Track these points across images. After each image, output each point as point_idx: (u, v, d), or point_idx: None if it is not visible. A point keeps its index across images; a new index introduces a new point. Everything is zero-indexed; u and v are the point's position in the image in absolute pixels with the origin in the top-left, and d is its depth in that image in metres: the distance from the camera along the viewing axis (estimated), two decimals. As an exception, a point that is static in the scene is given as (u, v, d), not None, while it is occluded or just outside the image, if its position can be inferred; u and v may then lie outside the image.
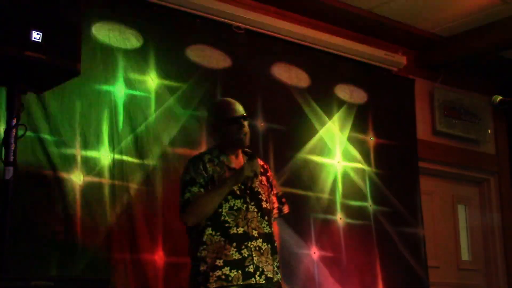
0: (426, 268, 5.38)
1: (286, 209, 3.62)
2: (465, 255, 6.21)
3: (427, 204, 5.74)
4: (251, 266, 3.21)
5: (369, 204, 5.13)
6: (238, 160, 3.43)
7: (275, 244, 3.39)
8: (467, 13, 5.32)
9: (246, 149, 3.48)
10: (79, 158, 3.79)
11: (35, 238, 3.54)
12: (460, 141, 6.14)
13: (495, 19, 5.39)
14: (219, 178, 3.29)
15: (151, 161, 4.06)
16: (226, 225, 3.24)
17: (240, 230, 3.24)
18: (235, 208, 3.27)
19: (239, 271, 3.18)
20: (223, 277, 3.16)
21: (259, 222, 3.31)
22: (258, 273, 3.22)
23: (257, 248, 3.26)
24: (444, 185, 6.15)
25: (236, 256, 3.20)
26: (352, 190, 5.05)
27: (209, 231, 3.24)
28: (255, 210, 3.32)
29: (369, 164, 5.24)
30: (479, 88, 6.36)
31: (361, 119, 5.28)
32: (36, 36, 2.89)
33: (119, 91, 4.04)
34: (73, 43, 3.03)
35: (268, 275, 3.26)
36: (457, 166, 6.12)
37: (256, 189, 3.37)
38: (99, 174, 3.85)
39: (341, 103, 5.19)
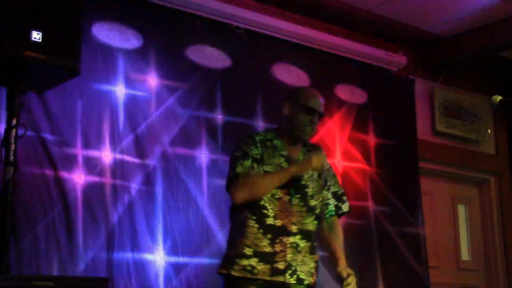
0: (426, 268, 5.39)
1: (346, 207, 3.34)
2: (465, 255, 6.21)
3: (427, 204, 5.75)
4: (282, 262, 3.00)
5: (369, 204, 5.13)
6: (293, 151, 3.20)
7: (315, 244, 3.16)
8: (467, 13, 5.31)
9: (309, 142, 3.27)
10: (79, 158, 3.80)
11: (35, 238, 3.54)
12: (460, 141, 6.14)
13: (495, 19, 5.40)
14: (267, 162, 3.08)
15: (151, 161, 4.07)
16: (264, 211, 3.02)
17: (278, 222, 3.02)
18: (276, 197, 3.05)
19: (267, 266, 2.97)
20: (249, 268, 2.96)
21: (302, 218, 3.09)
22: (289, 271, 3.01)
23: (294, 245, 3.04)
24: (444, 185, 6.15)
25: (268, 249, 2.99)
26: (352, 190, 5.04)
27: (246, 212, 3.04)
28: (301, 204, 3.10)
29: (369, 164, 5.24)
30: (479, 88, 6.36)
31: (361, 119, 5.28)
32: (36, 36, 2.89)
33: (119, 91, 4.05)
34: (73, 43, 3.03)
35: (301, 276, 3.05)
36: (457, 166, 6.12)
37: (303, 182, 3.14)
38: (100, 173, 3.86)
39: (341, 103, 5.19)
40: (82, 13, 3.15)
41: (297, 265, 3.05)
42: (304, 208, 3.11)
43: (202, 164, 4.29)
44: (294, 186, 3.10)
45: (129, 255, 3.85)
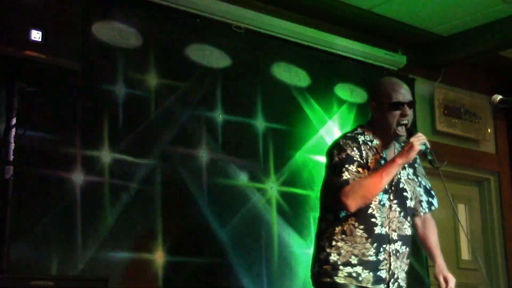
0: (426, 267, 5.38)
1: (436, 202, 3.26)
2: (465, 255, 6.20)
3: (427, 204, 5.74)
4: (385, 271, 2.97)
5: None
6: (390, 151, 3.09)
7: (409, 249, 3.10)
8: (467, 13, 5.31)
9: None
10: (79, 157, 3.79)
11: (35, 238, 3.54)
12: (460, 141, 6.14)
13: (495, 19, 5.39)
14: (371, 165, 2.96)
15: (151, 161, 4.06)
16: (373, 220, 2.96)
17: (383, 230, 2.97)
18: (382, 203, 2.98)
19: (371, 273, 2.94)
20: (354, 274, 2.92)
21: (400, 223, 3.04)
22: (392, 280, 2.99)
23: (395, 252, 3.00)
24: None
25: (373, 257, 2.95)
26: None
27: (352, 221, 2.95)
28: (398, 209, 3.03)
29: (369, 163, 5.24)
30: (479, 88, 6.35)
31: (361, 118, 5.27)
32: (36, 35, 2.89)
33: (119, 90, 4.04)
34: (73, 42, 3.04)
35: (401, 284, 3.05)
36: (457, 166, 6.12)
37: (401, 185, 3.06)
38: (99, 173, 3.85)
39: (341, 102, 5.18)
40: (82, 12, 3.15)
41: (398, 272, 3.03)
42: (402, 213, 3.05)
43: (202, 164, 4.28)
44: (394, 191, 3.03)
45: (128, 255, 3.85)
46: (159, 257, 3.97)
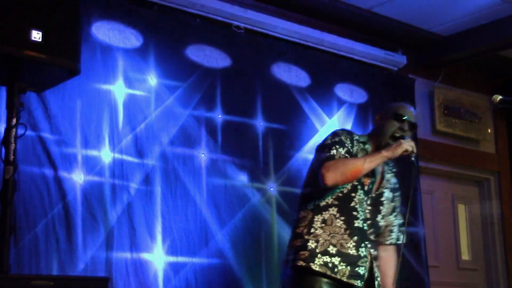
0: (426, 267, 5.39)
1: (404, 238, 3.26)
2: (465, 255, 6.21)
3: (427, 204, 5.74)
4: (364, 268, 2.99)
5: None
6: (382, 165, 3.16)
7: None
8: (467, 13, 5.31)
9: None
10: (79, 157, 3.80)
11: (35, 238, 3.54)
12: (460, 141, 6.14)
13: (495, 19, 5.39)
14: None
15: (150, 161, 4.07)
16: (354, 213, 2.99)
17: (364, 225, 3.01)
18: (363, 201, 3.04)
19: (348, 267, 2.93)
20: (330, 265, 2.91)
21: (370, 228, 3.07)
22: (373, 278, 3.03)
23: (371, 251, 3.05)
24: (444, 185, 6.14)
25: (353, 251, 2.96)
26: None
27: (333, 211, 2.98)
28: (368, 216, 3.08)
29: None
30: (479, 88, 6.36)
31: (361, 118, 5.28)
32: (36, 35, 2.89)
33: (119, 90, 4.05)
34: (73, 42, 3.03)
35: (380, 282, 3.10)
36: (457, 166, 6.12)
37: (382, 199, 3.14)
38: (100, 173, 3.86)
39: (341, 102, 5.19)
40: (82, 12, 3.15)
41: (377, 272, 3.07)
42: (371, 222, 3.08)
43: (202, 164, 4.29)
44: (374, 197, 3.09)
45: (128, 255, 3.85)
46: (159, 257, 3.97)
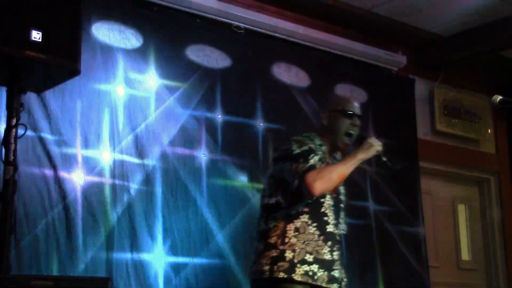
0: (426, 268, 5.39)
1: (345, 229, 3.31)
2: (465, 255, 6.21)
3: (427, 204, 5.74)
4: (338, 271, 3.04)
5: (369, 204, 5.13)
6: (331, 159, 3.17)
7: None
8: (467, 13, 5.31)
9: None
10: (79, 158, 3.79)
11: (35, 238, 3.54)
12: (460, 141, 6.14)
13: (495, 19, 5.39)
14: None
15: (151, 161, 4.06)
16: (325, 218, 3.03)
17: (335, 230, 3.06)
18: (332, 205, 3.07)
19: (326, 273, 2.97)
20: (310, 273, 2.93)
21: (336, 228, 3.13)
22: (343, 282, 3.08)
23: (341, 253, 3.11)
24: (444, 185, 6.14)
25: (328, 256, 3.00)
26: (352, 190, 5.03)
27: (305, 218, 2.99)
28: (336, 216, 3.12)
29: (369, 163, 5.23)
30: (479, 88, 6.36)
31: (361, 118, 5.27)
32: (36, 35, 2.89)
33: (119, 90, 4.05)
34: (73, 42, 3.03)
35: (347, 283, 3.13)
36: (457, 166, 6.12)
37: (340, 196, 3.19)
38: (100, 173, 3.86)
39: (341, 102, 5.18)
40: (82, 12, 3.15)
41: (345, 273, 3.11)
42: (336, 222, 3.11)
43: (202, 164, 4.29)
44: (337, 199, 3.12)
45: (128, 255, 3.85)
46: (159, 257, 3.97)
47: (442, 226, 6.01)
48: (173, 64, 4.32)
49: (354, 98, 3.29)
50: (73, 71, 3.06)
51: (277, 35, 4.89)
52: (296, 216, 3.00)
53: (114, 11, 4.11)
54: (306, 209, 3.00)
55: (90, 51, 3.90)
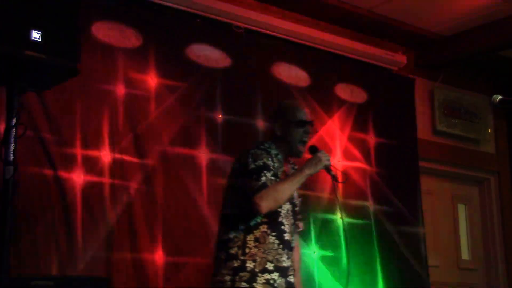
0: (426, 267, 5.39)
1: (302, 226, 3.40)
2: (465, 255, 6.21)
3: (427, 204, 5.74)
4: (292, 276, 3.11)
5: (369, 204, 5.13)
6: (286, 165, 3.26)
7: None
8: (467, 13, 5.31)
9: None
10: (79, 157, 3.79)
11: (35, 238, 3.54)
12: (460, 141, 6.14)
13: (495, 19, 5.39)
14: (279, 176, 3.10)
15: (151, 160, 4.06)
16: (282, 227, 3.09)
17: (290, 237, 3.12)
18: (288, 213, 3.13)
19: (283, 279, 3.05)
20: (271, 281, 3.00)
21: (292, 234, 3.19)
22: (295, 284, 3.14)
23: (292, 259, 3.16)
24: (444, 185, 6.15)
25: (286, 263, 3.07)
26: (352, 189, 5.05)
27: (264, 228, 3.05)
28: (292, 221, 3.18)
29: (369, 163, 5.24)
30: (479, 88, 6.36)
31: (361, 118, 5.28)
32: (36, 35, 2.88)
33: (119, 90, 4.05)
34: (73, 42, 3.02)
35: None
36: (457, 166, 6.12)
37: (293, 200, 3.21)
38: (99, 173, 3.86)
39: (341, 102, 5.19)
40: (82, 12, 3.15)
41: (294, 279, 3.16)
42: (292, 227, 3.18)
43: (202, 164, 4.29)
44: (291, 203, 3.17)
45: (128, 255, 3.85)
46: (159, 257, 3.97)
47: (442, 226, 6.01)
48: (173, 63, 4.32)
49: (302, 105, 3.39)
50: (73, 71, 3.06)
51: (277, 35, 4.89)
52: (256, 227, 3.06)
53: (114, 11, 4.12)
54: (265, 219, 3.06)
55: (90, 51, 3.90)
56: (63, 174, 3.72)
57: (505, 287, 6.16)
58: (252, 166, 3.05)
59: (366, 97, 5.36)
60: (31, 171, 3.60)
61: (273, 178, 3.04)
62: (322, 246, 4.75)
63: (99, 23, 4.03)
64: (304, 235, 4.65)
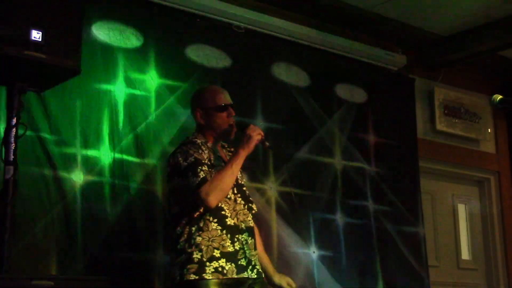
0: (426, 267, 5.39)
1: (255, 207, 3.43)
2: (465, 255, 6.21)
3: (427, 204, 5.75)
4: (243, 259, 3.15)
5: (369, 203, 5.13)
6: (220, 150, 3.35)
7: (254, 240, 3.32)
8: (467, 13, 5.32)
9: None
10: (79, 157, 3.79)
11: (35, 238, 3.54)
12: (460, 141, 6.15)
13: (495, 19, 5.39)
14: (215, 164, 3.17)
15: (151, 161, 4.06)
16: (222, 212, 3.14)
17: (231, 221, 3.16)
18: (228, 197, 3.17)
19: (233, 264, 3.10)
20: (220, 269, 3.06)
21: (245, 215, 3.24)
22: (250, 267, 3.17)
23: (245, 242, 3.19)
24: (444, 185, 6.15)
25: (231, 248, 3.12)
26: (352, 189, 5.05)
27: (206, 216, 3.11)
28: (242, 202, 3.25)
29: (369, 163, 5.24)
30: (479, 88, 6.36)
31: (361, 118, 5.28)
32: (36, 35, 2.88)
33: (119, 90, 4.04)
34: (73, 42, 3.02)
35: (259, 269, 3.23)
36: (457, 166, 6.12)
37: (239, 181, 3.29)
38: (100, 173, 3.85)
39: (341, 102, 5.18)
40: (82, 12, 3.15)
41: (254, 260, 3.20)
42: (246, 206, 3.25)
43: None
44: (235, 186, 3.21)
45: (128, 255, 3.85)
46: (159, 257, 3.96)
47: (442, 226, 6.01)
48: (173, 63, 4.32)
49: (220, 88, 3.41)
50: (73, 71, 3.06)
51: (277, 35, 4.89)
52: (199, 217, 3.11)
53: (114, 10, 4.11)
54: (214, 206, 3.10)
55: (90, 51, 3.89)
56: (63, 174, 3.71)
57: (505, 287, 6.16)
58: (184, 164, 3.10)
59: (366, 97, 5.36)
60: (31, 171, 3.59)
61: (210, 170, 3.08)
62: (322, 246, 4.74)
63: (100, 23, 4.02)
64: (303, 235, 4.65)
